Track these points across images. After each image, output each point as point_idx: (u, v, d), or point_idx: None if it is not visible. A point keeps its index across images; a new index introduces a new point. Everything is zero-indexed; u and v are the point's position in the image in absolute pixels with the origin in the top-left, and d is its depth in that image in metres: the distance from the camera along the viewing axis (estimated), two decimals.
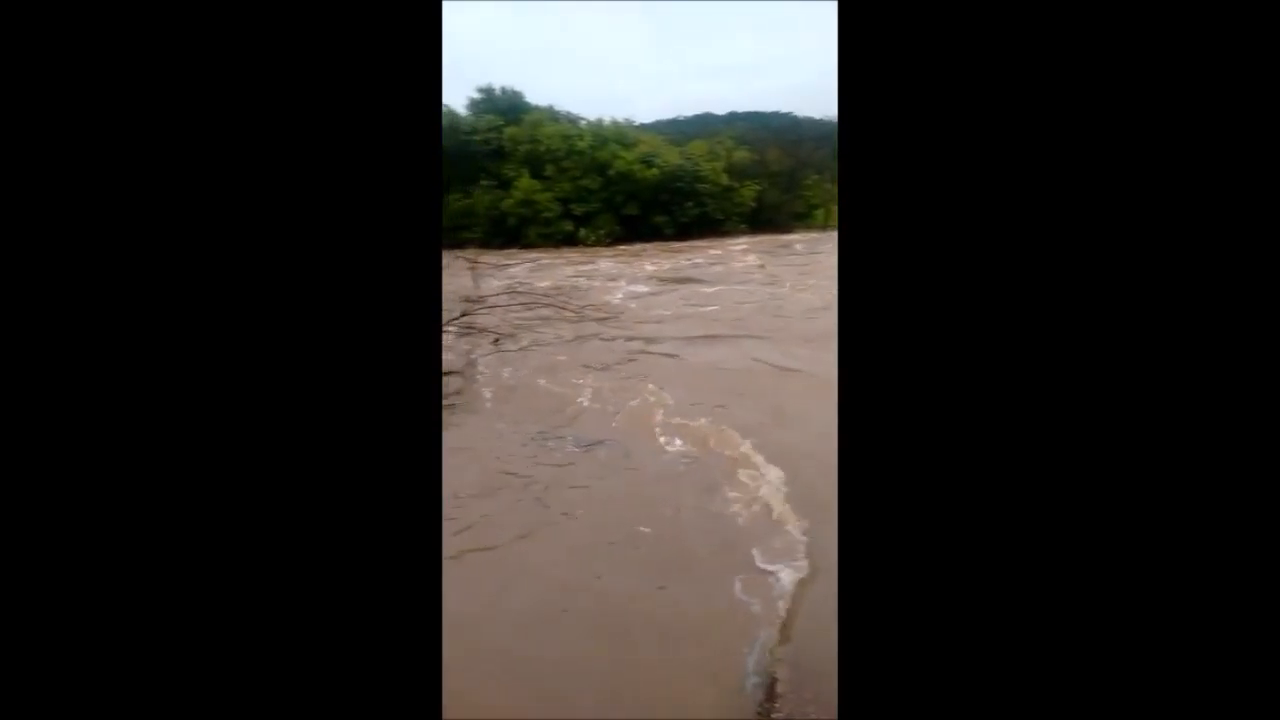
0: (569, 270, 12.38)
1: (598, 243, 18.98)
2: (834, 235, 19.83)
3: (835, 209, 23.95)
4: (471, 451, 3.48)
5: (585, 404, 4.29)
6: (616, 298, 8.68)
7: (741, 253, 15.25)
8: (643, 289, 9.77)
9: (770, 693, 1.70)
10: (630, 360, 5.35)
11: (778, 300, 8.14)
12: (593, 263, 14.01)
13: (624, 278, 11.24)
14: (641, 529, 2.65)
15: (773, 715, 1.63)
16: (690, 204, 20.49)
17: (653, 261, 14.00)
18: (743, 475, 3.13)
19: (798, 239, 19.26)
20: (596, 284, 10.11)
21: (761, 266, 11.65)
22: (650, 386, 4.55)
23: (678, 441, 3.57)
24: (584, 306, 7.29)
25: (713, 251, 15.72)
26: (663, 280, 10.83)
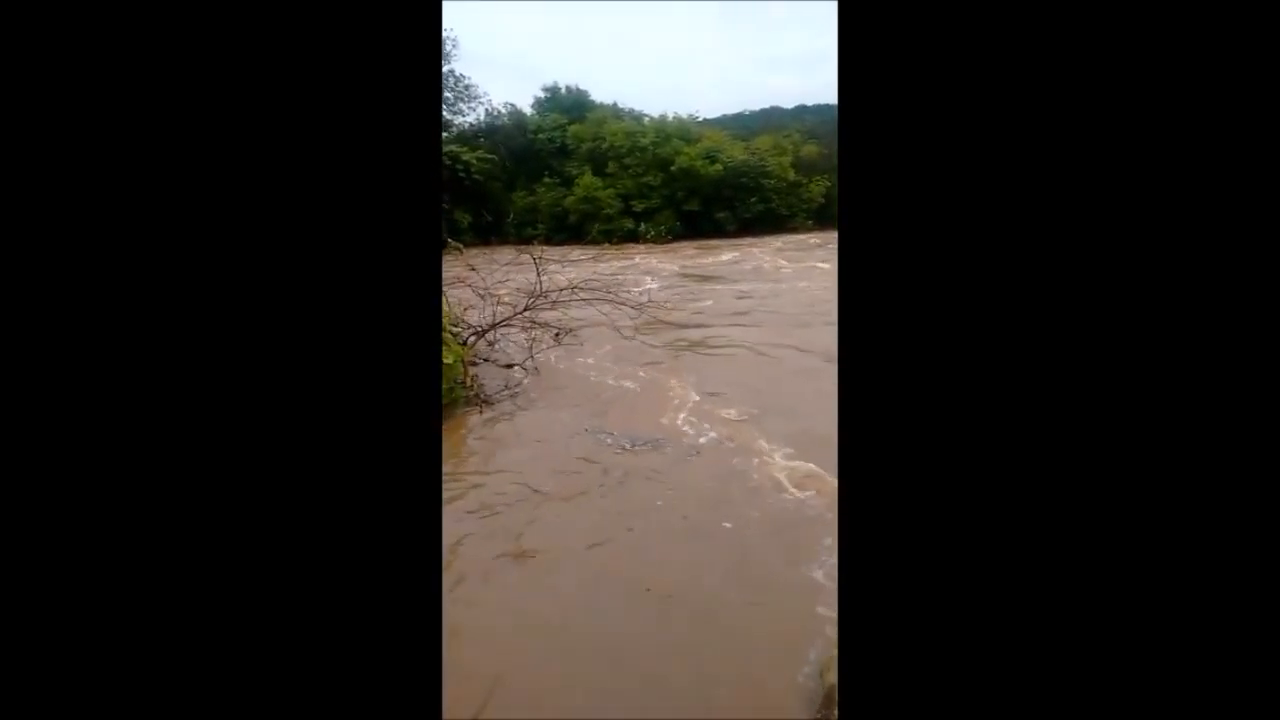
0: (618, 264, 12.70)
1: (657, 239, 18.87)
2: None
3: None
4: (540, 444, 3.47)
5: (634, 392, 4.29)
6: (637, 290, 8.86)
7: (793, 248, 14.81)
8: (660, 284, 9.89)
9: (828, 698, 1.65)
10: (676, 355, 5.39)
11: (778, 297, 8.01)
12: (631, 259, 14.26)
13: (653, 274, 11.33)
14: (725, 524, 2.54)
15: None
16: (754, 199, 20.01)
17: (688, 257, 14.03)
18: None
19: None
20: (627, 277, 10.38)
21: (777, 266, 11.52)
22: (687, 378, 4.50)
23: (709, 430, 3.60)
24: (645, 304, 7.50)
25: (751, 249, 15.41)
26: (684, 276, 10.89)
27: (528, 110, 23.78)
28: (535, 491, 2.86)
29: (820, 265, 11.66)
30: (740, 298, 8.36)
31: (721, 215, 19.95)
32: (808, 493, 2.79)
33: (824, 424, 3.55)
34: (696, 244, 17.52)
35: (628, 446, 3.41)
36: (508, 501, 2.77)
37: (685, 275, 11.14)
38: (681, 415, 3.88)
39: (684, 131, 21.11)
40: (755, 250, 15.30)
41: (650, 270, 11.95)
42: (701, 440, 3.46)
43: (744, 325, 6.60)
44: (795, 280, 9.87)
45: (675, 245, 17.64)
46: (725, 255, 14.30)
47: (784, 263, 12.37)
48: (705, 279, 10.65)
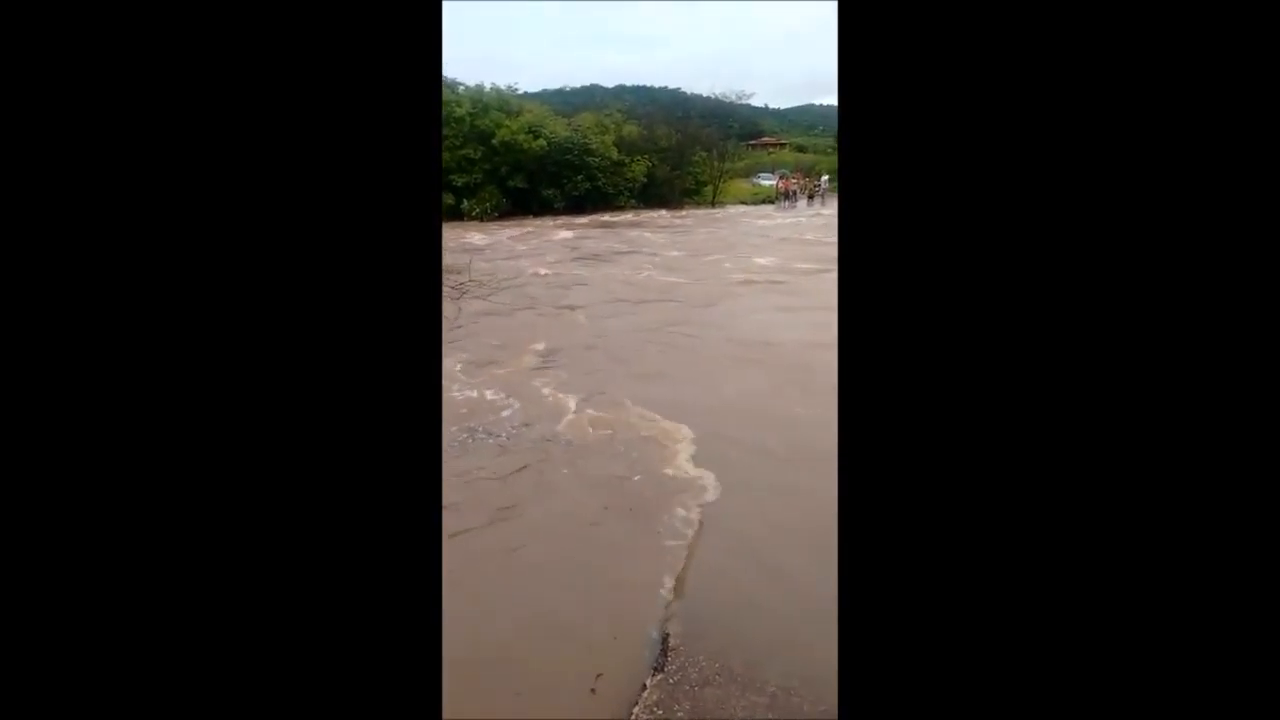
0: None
1: (483, 216, 17.87)
2: (716, 211, 20.70)
3: (723, 186, 24.60)
4: None
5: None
6: None
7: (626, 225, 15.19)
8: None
9: (664, 645, 1.88)
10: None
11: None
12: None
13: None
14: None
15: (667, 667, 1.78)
16: (580, 177, 19.88)
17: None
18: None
19: (687, 214, 19.48)
20: None
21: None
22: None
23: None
24: (464, 281, 7.13)
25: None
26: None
27: None
28: None
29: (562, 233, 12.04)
30: None
31: (548, 193, 19.52)
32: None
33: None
34: (527, 222, 16.95)
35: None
36: None
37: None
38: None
39: (503, 103, 20.08)
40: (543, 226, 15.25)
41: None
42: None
43: None
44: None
45: (502, 223, 16.86)
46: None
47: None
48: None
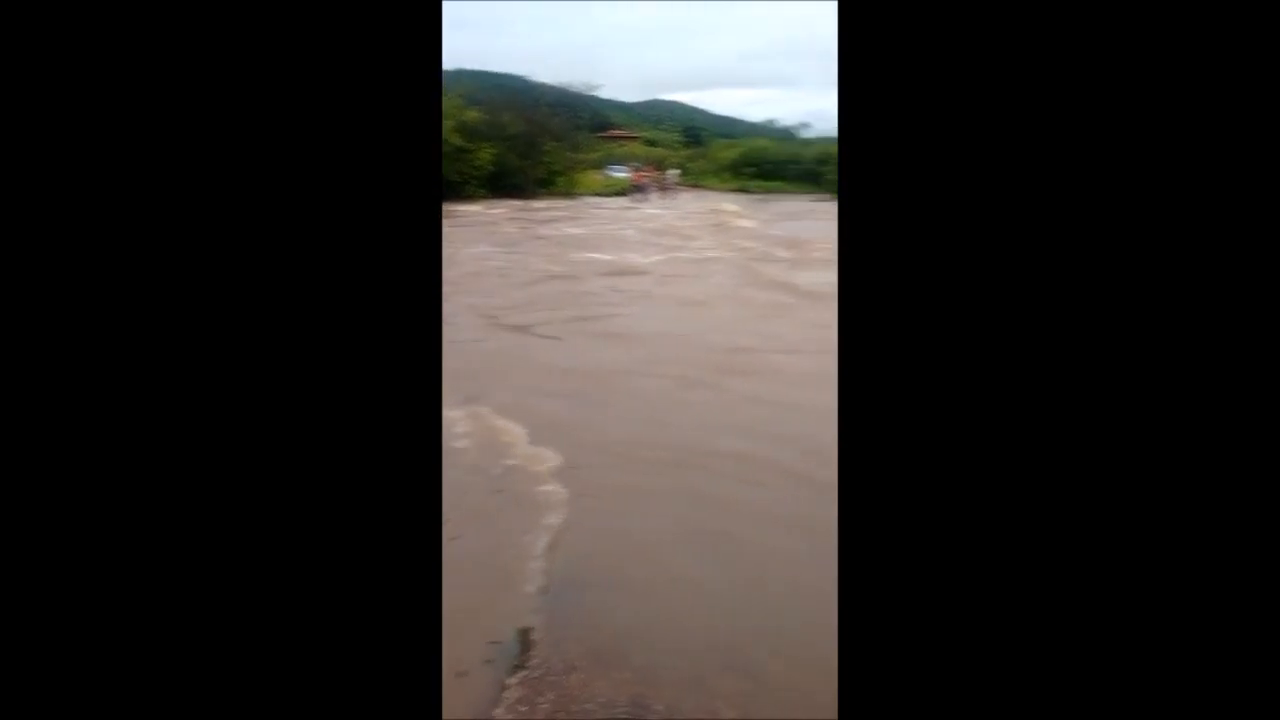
0: None
1: None
2: (565, 203, 20.65)
3: (577, 177, 24.51)
4: None
5: None
6: None
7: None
8: None
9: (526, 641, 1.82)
10: None
11: None
12: None
13: None
14: None
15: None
16: None
17: None
18: None
19: (542, 206, 19.13)
20: None
21: None
22: None
23: None
24: None
25: None
26: None
27: None
28: None
29: None
30: None
31: None
32: None
33: None
34: None
35: None
36: None
37: None
38: None
39: None
40: None
41: None
42: None
43: None
44: None
45: None
46: None
47: None
48: None
